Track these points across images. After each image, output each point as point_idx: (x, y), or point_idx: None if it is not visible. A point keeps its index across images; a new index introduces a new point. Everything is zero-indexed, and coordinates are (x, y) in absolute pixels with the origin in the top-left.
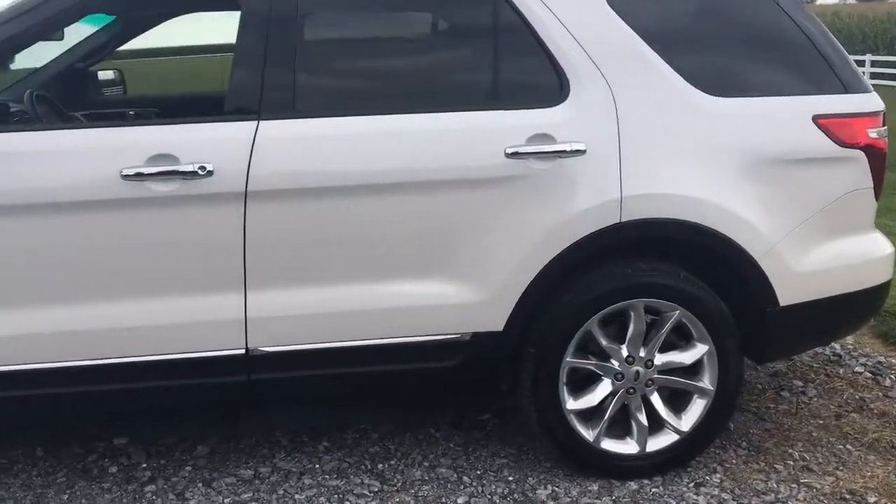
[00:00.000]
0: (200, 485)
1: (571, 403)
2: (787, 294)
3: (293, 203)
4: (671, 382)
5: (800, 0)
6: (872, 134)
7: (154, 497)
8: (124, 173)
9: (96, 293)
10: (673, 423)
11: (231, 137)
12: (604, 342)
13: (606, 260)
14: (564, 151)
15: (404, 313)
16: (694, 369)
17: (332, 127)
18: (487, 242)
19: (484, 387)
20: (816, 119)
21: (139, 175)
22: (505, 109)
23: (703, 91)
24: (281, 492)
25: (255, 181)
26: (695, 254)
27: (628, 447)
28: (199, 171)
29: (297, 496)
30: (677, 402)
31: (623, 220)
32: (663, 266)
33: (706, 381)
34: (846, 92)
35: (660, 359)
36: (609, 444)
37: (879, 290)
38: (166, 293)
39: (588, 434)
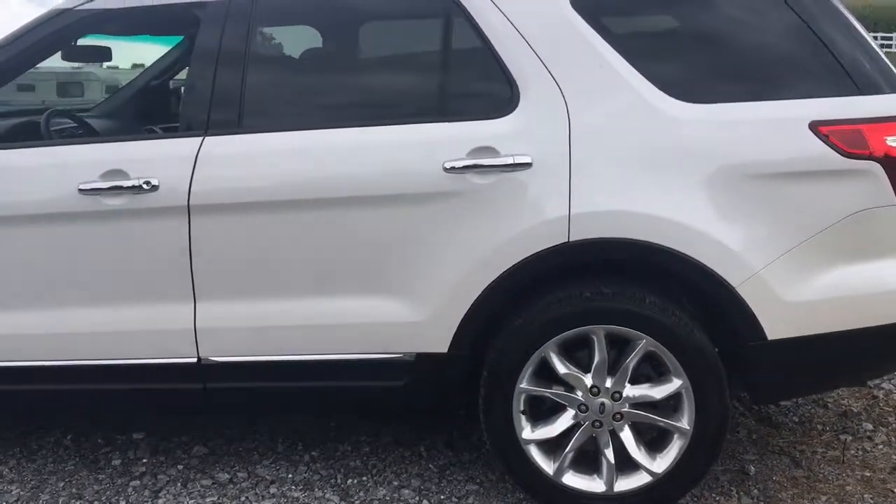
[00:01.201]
0: (179, 485)
1: (528, 433)
2: (777, 327)
3: (234, 217)
4: (641, 418)
5: None
6: (894, 142)
7: (133, 492)
8: (81, 188)
9: (65, 300)
10: (645, 462)
11: (176, 153)
12: (562, 370)
13: (568, 281)
14: (508, 165)
15: (347, 330)
16: (674, 406)
17: (272, 142)
18: (428, 260)
19: (442, 411)
20: (815, 126)
21: (94, 190)
22: (449, 121)
23: (677, 98)
24: (243, 498)
25: (196, 195)
26: (662, 278)
27: (594, 485)
28: (144, 186)
29: (264, 503)
30: (659, 440)
31: (571, 239)
32: (629, 290)
33: (683, 420)
34: (860, 93)
35: (629, 391)
36: (572, 480)
37: None
38: (124, 302)
39: (548, 467)
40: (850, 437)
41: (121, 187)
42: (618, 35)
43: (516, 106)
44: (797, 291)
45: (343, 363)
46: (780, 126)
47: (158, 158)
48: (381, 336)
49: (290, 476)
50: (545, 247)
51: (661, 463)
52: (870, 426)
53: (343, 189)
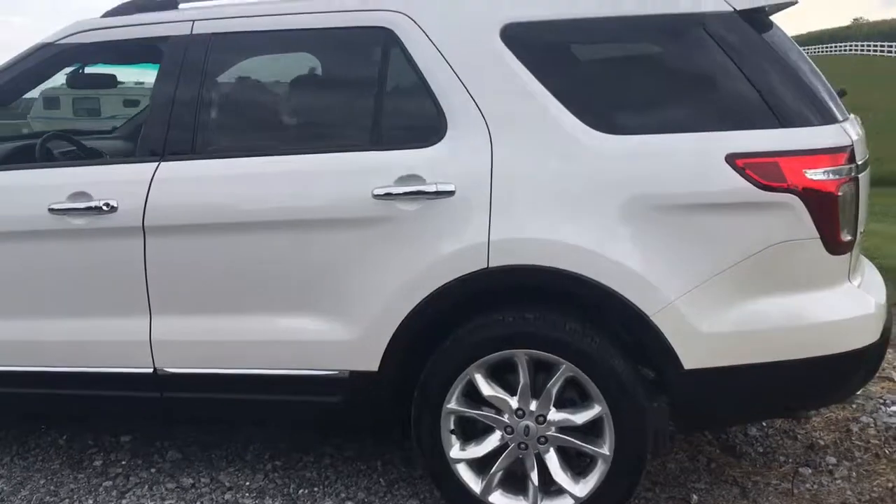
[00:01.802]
0: (146, 487)
1: (457, 452)
2: (692, 357)
3: (182, 237)
4: (565, 442)
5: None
6: (814, 175)
7: (103, 492)
8: (51, 208)
9: (37, 310)
10: (567, 486)
11: (134, 177)
12: (486, 392)
13: (497, 305)
14: (432, 192)
15: (287, 346)
16: (597, 432)
17: (217, 168)
18: (359, 282)
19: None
20: (732, 158)
21: (62, 210)
22: (381, 150)
23: (597, 129)
24: (193, 499)
25: (150, 216)
26: (584, 306)
27: None
28: (104, 207)
29: None
30: (586, 465)
31: (490, 265)
32: (551, 317)
33: (605, 446)
34: (780, 126)
35: (553, 415)
36: (499, 500)
37: (838, 361)
38: (89, 314)
39: (476, 486)
40: (811, 471)
41: (85, 208)
42: (544, 67)
43: (444, 135)
44: (713, 322)
45: (284, 378)
46: (696, 158)
47: (119, 181)
48: (317, 353)
49: (247, 483)
50: (466, 272)
51: (584, 487)
52: (833, 460)
53: (279, 213)
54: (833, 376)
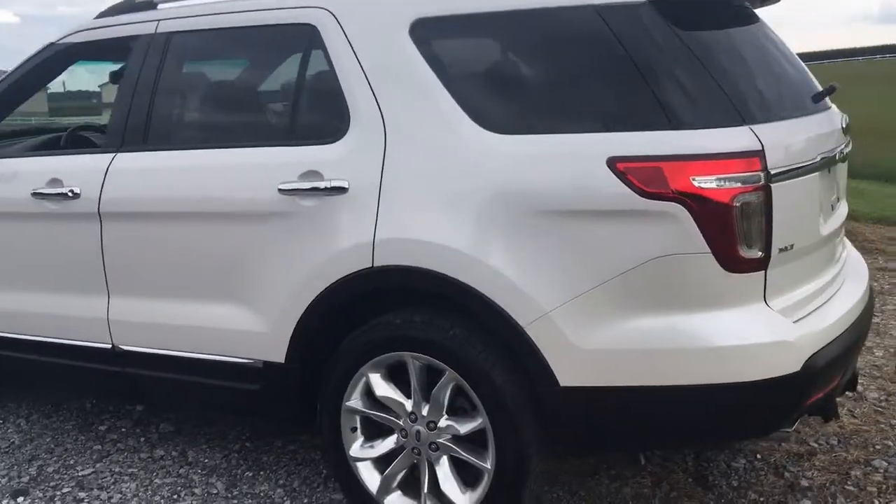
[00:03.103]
0: (123, 455)
1: (356, 450)
2: (569, 373)
3: (124, 224)
4: (453, 451)
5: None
6: (703, 183)
7: (88, 454)
8: (32, 191)
9: (22, 283)
10: (453, 496)
11: (94, 166)
12: (379, 392)
13: (392, 306)
14: (327, 189)
15: (213, 332)
16: (485, 444)
17: (152, 160)
18: (269, 275)
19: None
20: (613, 162)
21: (39, 195)
22: (292, 145)
23: (487, 128)
24: (155, 469)
25: (103, 204)
26: (462, 311)
27: None
28: (69, 194)
29: (163, 480)
30: (477, 477)
31: (375, 265)
32: (438, 321)
33: (488, 460)
34: (671, 127)
35: (443, 422)
36: (394, 502)
37: (735, 392)
38: (61, 290)
39: (373, 486)
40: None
41: (56, 193)
42: (444, 64)
43: (346, 132)
44: (591, 338)
45: (212, 363)
46: (577, 161)
47: (83, 170)
48: (238, 342)
49: (205, 461)
50: (353, 270)
51: (469, 499)
52: None
53: (198, 205)
54: (732, 408)
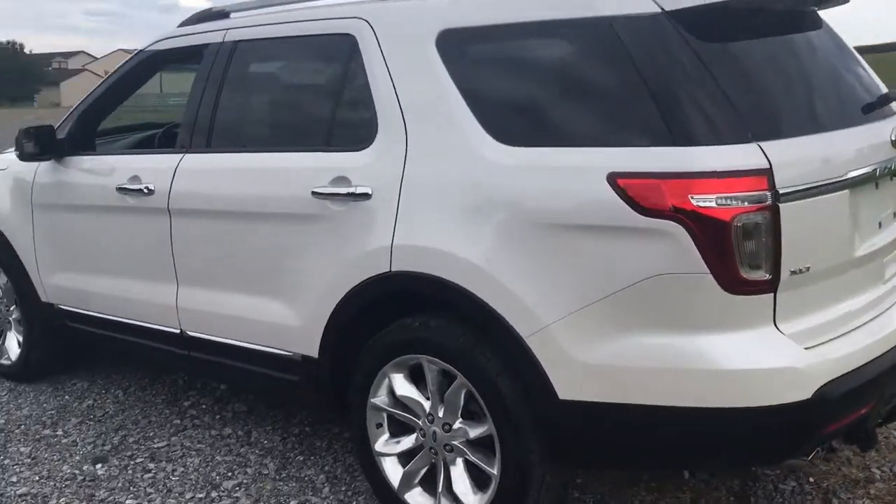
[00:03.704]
0: (197, 430)
1: (381, 446)
2: (568, 387)
3: (189, 219)
4: (465, 454)
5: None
6: (702, 201)
7: (167, 427)
8: (117, 186)
9: (107, 270)
10: (463, 498)
11: (166, 165)
12: (399, 392)
13: (413, 309)
14: (353, 195)
15: (257, 324)
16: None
17: (212, 161)
18: (303, 273)
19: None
20: (613, 177)
21: (123, 189)
22: (328, 151)
23: (499, 140)
24: (219, 446)
25: (172, 200)
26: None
27: None
28: (145, 190)
29: (224, 457)
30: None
31: (392, 269)
32: (452, 327)
33: (494, 466)
34: (674, 144)
35: (457, 425)
36: (414, 499)
37: (736, 416)
38: (141, 277)
39: (396, 482)
40: None
41: (135, 189)
42: (465, 75)
43: (374, 140)
44: (591, 353)
45: (260, 353)
46: (581, 175)
47: (158, 168)
48: (280, 334)
49: (265, 442)
50: (374, 274)
51: (478, 502)
52: None
53: (245, 204)
54: (732, 434)
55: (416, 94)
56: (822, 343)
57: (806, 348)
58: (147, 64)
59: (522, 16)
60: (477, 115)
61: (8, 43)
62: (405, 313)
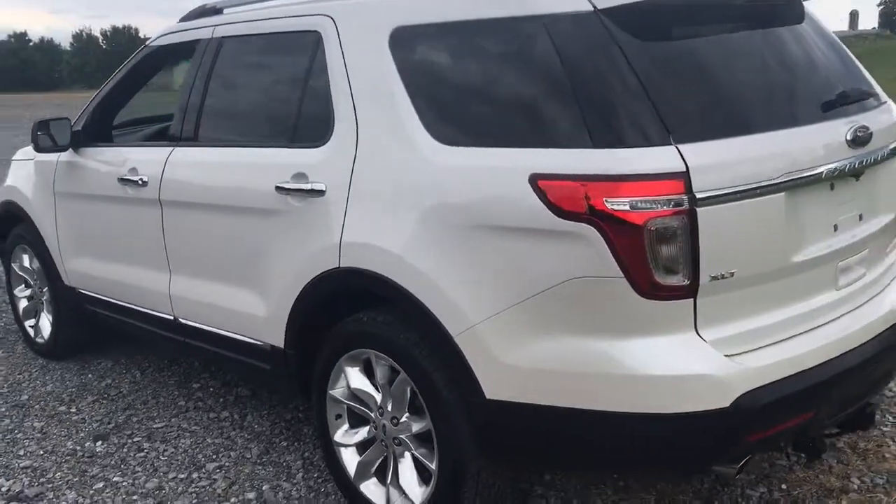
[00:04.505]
0: (199, 412)
1: (339, 436)
2: (494, 387)
3: (176, 210)
4: (411, 448)
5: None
6: (616, 205)
7: (172, 408)
8: (119, 177)
9: (111, 256)
10: (408, 491)
11: (159, 158)
12: (353, 384)
13: (367, 304)
14: (309, 191)
15: (236, 314)
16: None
17: (192, 155)
18: (270, 266)
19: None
20: (535, 179)
21: (123, 180)
22: (291, 147)
23: (438, 140)
24: (213, 429)
25: (162, 192)
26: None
27: (380, 499)
28: (139, 182)
29: (214, 440)
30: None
31: (342, 265)
32: (397, 323)
33: (433, 462)
34: (594, 146)
35: (404, 419)
36: (368, 489)
37: (650, 423)
38: (140, 264)
39: (351, 471)
40: None
41: (132, 180)
42: (411, 74)
43: (330, 137)
44: (514, 354)
45: (239, 342)
46: (506, 175)
47: (152, 161)
48: (252, 324)
49: (256, 426)
50: (326, 269)
51: (421, 495)
52: None
53: (222, 197)
54: (650, 439)
55: (368, 92)
56: (749, 351)
57: (727, 356)
58: (151, 58)
59: (466, 14)
60: (419, 114)
61: (124, 28)
62: (361, 308)
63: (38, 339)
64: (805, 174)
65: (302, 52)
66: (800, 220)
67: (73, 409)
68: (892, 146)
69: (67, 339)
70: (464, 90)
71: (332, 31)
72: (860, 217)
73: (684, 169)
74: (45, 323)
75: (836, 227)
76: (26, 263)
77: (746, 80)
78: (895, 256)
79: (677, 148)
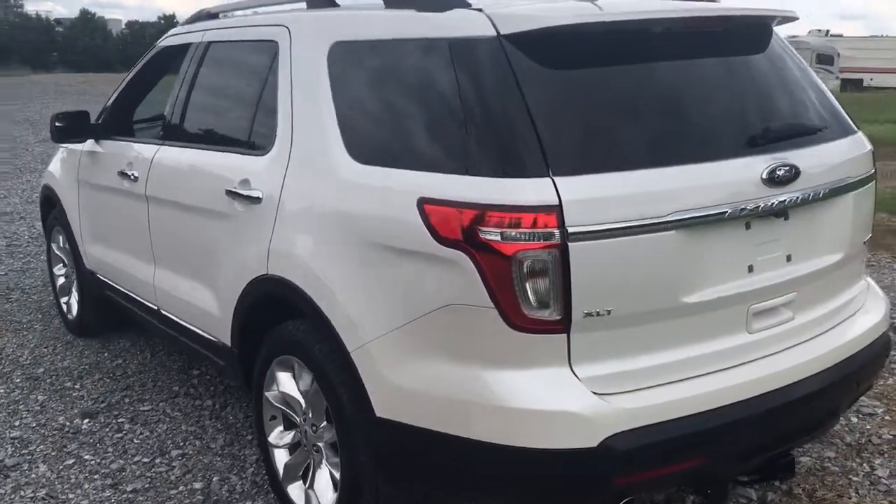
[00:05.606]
0: (186, 399)
1: (273, 437)
2: (382, 405)
3: (156, 206)
4: (324, 456)
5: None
6: (488, 235)
7: (166, 393)
8: (118, 171)
9: (112, 243)
10: (320, 496)
11: (148, 155)
12: (282, 389)
13: (297, 312)
14: (248, 197)
15: (200, 312)
16: None
17: (171, 154)
18: (220, 266)
19: None
20: (422, 202)
21: (121, 174)
22: (243, 153)
23: (352, 157)
24: (192, 417)
25: (148, 188)
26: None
27: (301, 502)
28: (132, 177)
29: (188, 427)
30: None
31: (269, 272)
32: (315, 333)
33: (339, 470)
34: (477, 173)
35: (321, 428)
36: (293, 491)
37: (512, 455)
38: (133, 254)
39: (280, 472)
40: None
41: (128, 174)
42: (339, 89)
43: (272, 146)
44: (399, 375)
45: (203, 338)
46: (399, 197)
47: (142, 158)
48: (209, 321)
49: (230, 418)
50: (257, 275)
51: (331, 501)
52: None
53: (188, 197)
54: (516, 473)
55: (305, 105)
56: (626, 391)
57: (599, 394)
58: (158, 58)
59: (392, 33)
60: (342, 130)
61: (160, 18)
62: (294, 315)
63: (69, 316)
64: (705, 213)
65: (262, 60)
66: (700, 259)
67: (78, 386)
68: (836, 184)
69: (89, 318)
70: (379, 109)
71: (285, 42)
72: (788, 258)
73: (557, 203)
74: (73, 302)
75: (751, 268)
76: (62, 244)
77: (648, 114)
78: (847, 298)
79: (553, 180)
